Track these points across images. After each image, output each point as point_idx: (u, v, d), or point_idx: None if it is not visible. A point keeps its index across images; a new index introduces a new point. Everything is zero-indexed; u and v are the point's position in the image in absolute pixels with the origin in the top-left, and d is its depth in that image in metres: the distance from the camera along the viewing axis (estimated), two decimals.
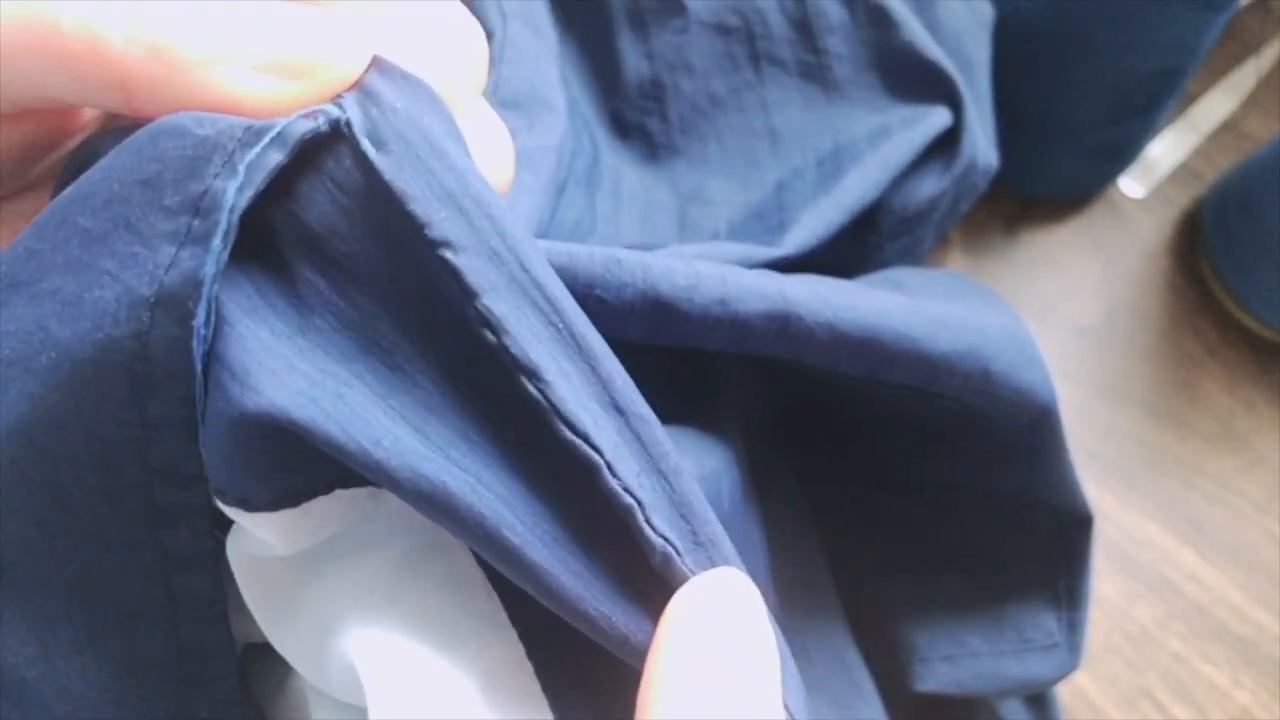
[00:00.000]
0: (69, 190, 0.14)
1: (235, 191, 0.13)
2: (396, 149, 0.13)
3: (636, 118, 0.30)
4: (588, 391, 0.13)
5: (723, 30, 0.29)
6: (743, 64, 0.29)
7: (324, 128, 0.13)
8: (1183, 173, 0.45)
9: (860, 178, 0.27)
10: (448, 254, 0.13)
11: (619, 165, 0.29)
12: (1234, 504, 0.39)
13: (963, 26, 0.32)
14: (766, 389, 0.27)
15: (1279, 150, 0.38)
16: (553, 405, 0.13)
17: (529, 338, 0.13)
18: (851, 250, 0.28)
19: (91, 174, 0.14)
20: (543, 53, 0.26)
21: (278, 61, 0.14)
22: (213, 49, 0.14)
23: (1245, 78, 0.46)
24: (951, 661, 0.27)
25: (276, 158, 0.13)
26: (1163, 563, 0.38)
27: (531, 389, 0.13)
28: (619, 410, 0.14)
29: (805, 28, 0.29)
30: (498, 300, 0.13)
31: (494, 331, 0.13)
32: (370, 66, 0.14)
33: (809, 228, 0.26)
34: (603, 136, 0.30)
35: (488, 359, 0.13)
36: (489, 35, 0.25)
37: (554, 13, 0.29)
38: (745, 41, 0.29)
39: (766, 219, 0.27)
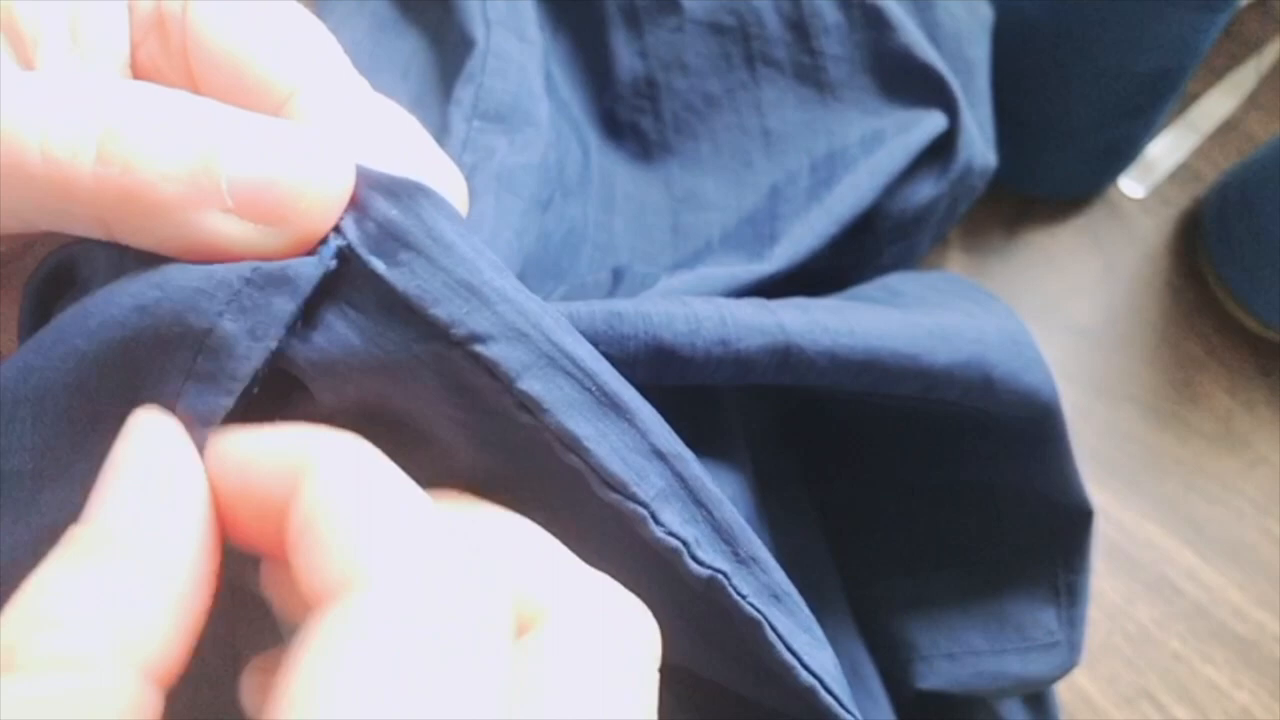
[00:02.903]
0: (71, 309, 0.14)
1: (247, 342, 0.13)
2: (405, 258, 0.13)
3: (630, 116, 0.30)
4: (627, 445, 0.14)
5: (718, 29, 0.29)
6: (738, 64, 0.29)
7: (332, 265, 0.13)
8: (1183, 173, 0.45)
9: (851, 186, 0.27)
10: (478, 348, 0.13)
11: (611, 166, 0.29)
12: (1234, 504, 0.39)
13: (962, 27, 0.31)
14: (767, 403, 0.27)
15: (1279, 150, 0.38)
16: (594, 470, 0.14)
17: (566, 409, 0.14)
18: (849, 255, 0.28)
19: (96, 296, 0.14)
20: (527, 63, 0.26)
21: (255, 207, 0.13)
22: (188, 192, 0.13)
23: (1245, 78, 0.46)
24: (953, 659, 0.27)
25: (290, 307, 0.13)
26: (1163, 563, 0.38)
27: (575, 460, 0.14)
28: (659, 455, 0.15)
29: (800, 28, 0.29)
30: (533, 380, 0.14)
31: (531, 412, 0.14)
32: (359, 181, 0.14)
33: (799, 240, 0.26)
34: (594, 137, 0.30)
35: (528, 436, 0.14)
36: (472, 44, 0.25)
37: (543, 11, 0.29)
38: (740, 41, 0.29)
39: (759, 226, 0.27)
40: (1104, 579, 0.37)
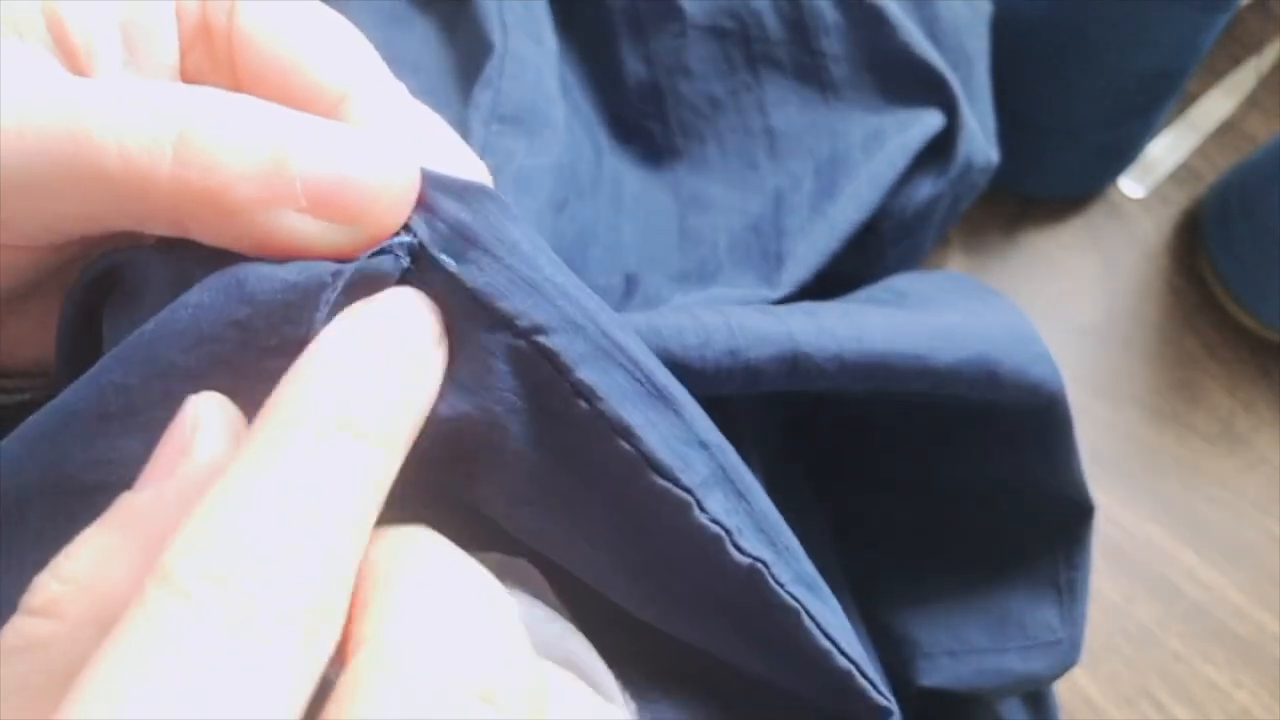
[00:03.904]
0: (150, 327, 0.14)
1: None
2: (473, 256, 0.14)
3: (637, 121, 0.30)
4: (675, 434, 0.15)
5: (719, 33, 0.29)
6: (740, 66, 0.29)
7: (406, 263, 0.14)
8: (1183, 173, 0.45)
9: (853, 197, 0.27)
10: (541, 339, 0.14)
11: (621, 168, 0.30)
12: (1234, 504, 0.39)
13: (961, 22, 0.32)
14: (772, 404, 0.27)
15: (1279, 150, 0.38)
16: (645, 457, 0.15)
17: (619, 398, 0.15)
18: (854, 256, 0.29)
19: (174, 311, 0.14)
20: (543, 65, 0.26)
21: (330, 206, 0.14)
22: (263, 192, 0.14)
23: (1245, 78, 0.46)
24: (955, 657, 0.27)
25: None
26: (1163, 563, 0.38)
27: (627, 447, 0.14)
28: (703, 445, 0.15)
29: (801, 29, 0.29)
30: (589, 370, 0.14)
31: (588, 400, 0.14)
32: (423, 182, 0.15)
33: (805, 260, 0.26)
34: (605, 139, 0.30)
35: (581, 424, 0.15)
36: (489, 48, 0.25)
37: (556, 18, 0.29)
38: (742, 44, 0.29)
39: (764, 237, 0.28)
40: (1104, 579, 0.37)
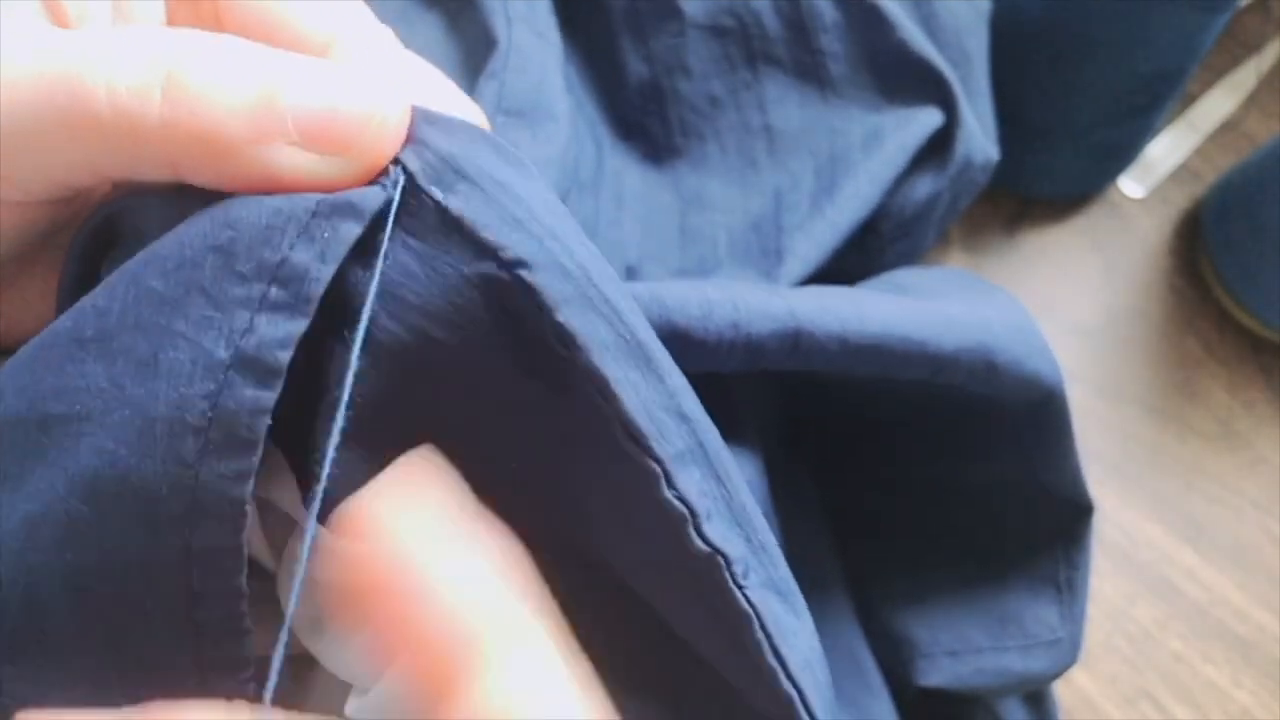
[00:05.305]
0: (141, 254, 0.14)
1: (317, 265, 0.13)
2: (461, 189, 0.14)
3: (638, 119, 0.30)
4: (654, 400, 0.14)
5: (719, 32, 0.29)
6: (739, 65, 0.29)
7: (394, 194, 0.14)
8: (1183, 173, 0.45)
9: (853, 196, 0.27)
10: (524, 273, 0.14)
11: (622, 166, 0.30)
12: (1234, 504, 0.39)
13: (959, 20, 0.32)
14: (776, 391, 0.27)
15: (1279, 150, 0.38)
16: (618, 416, 0.14)
17: (599, 349, 0.14)
18: (854, 254, 0.29)
19: (164, 239, 0.14)
20: (547, 60, 0.26)
21: (321, 138, 0.14)
22: (254, 128, 0.14)
23: (1245, 78, 0.46)
24: (955, 656, 0.27)
25: (355, 230, 0.14)
26: (1163, 563, 0.38)
27: (600, 401, 0.14)
28: (684, 418, 0.14)
29: (800, 28, 0.29)
30: (571, 314, 0.14)
31: (567, 344, 0.14)
32: (413, 117, 0.15)
33: (805, 258, 0.26)
34: (606, 137, 0.30)
35: (558, 370, 0.14)
36: (494, 42, 0.25)
37: (558, 16, 0.29)
38: (741, 43, 0.29)
39: (764, 235, 0.28)
40: (1105, 579, 0.37)
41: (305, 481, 0.15)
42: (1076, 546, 0.26)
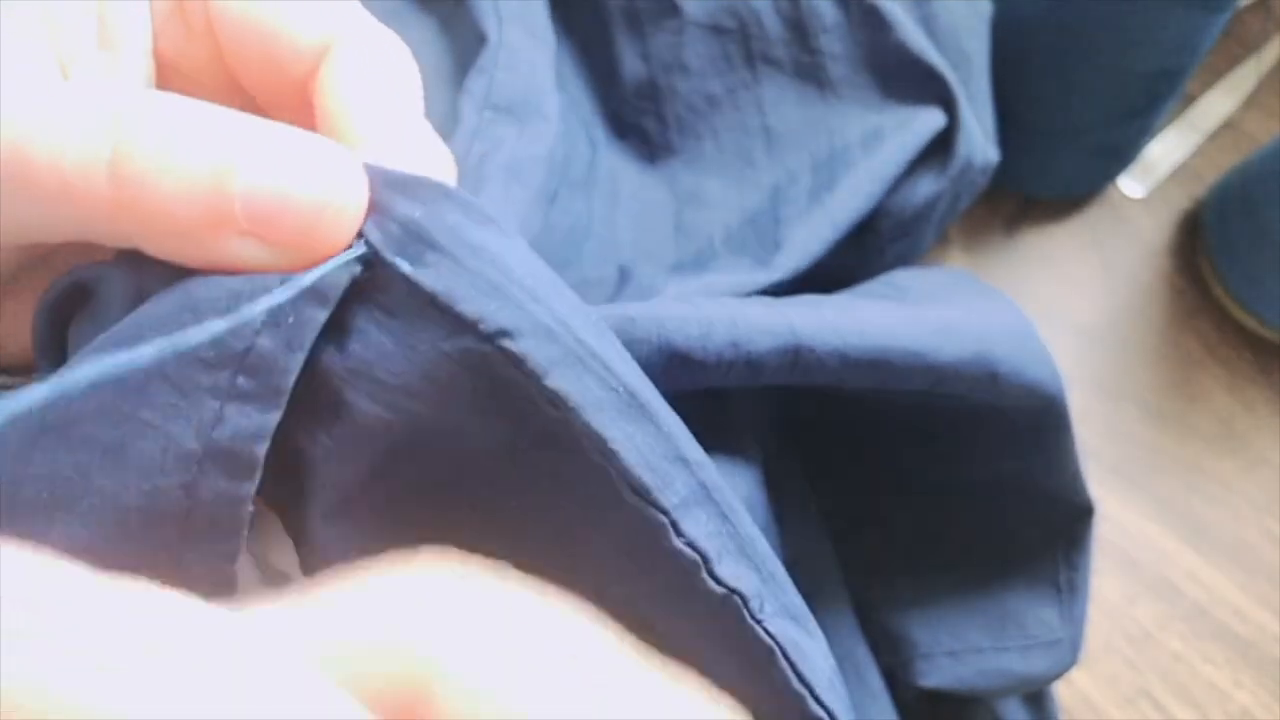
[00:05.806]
0: (101, 339, 0.14)
1: (284, 354, 0.13)
2: (431, 259, 0.13)
3: (634, 118, 0.30)
4: (653, 449, 0.14)
5: (718, 31, 0.29)
6: (738, 64, 0.29)
7: (360, 271, 0.13)
8: (1183, 173, 0.45)
9: (852, 190, 0.27)
10: (507, 343, 0.13)
11: (618, 164, 0.30)
12: (1234, 504, 0.39)
13: (959, 21, 0.32)
14: (773, 401, 0.27)
15: (1279, 150, 0.38)
16: (620, 473, 0.14)
17: (593, 409, 0.13)
18: (852, 254, 0.28)
19: (125, 321, 0.13)
20: (538, 58, 0.26)
21: (271, 232, 0.13)
22: (203, 215, 0.13)
23: (1245, 78, 0.46)
24: (955, 657, 0.27)
25: (321, 315, 0.13)
26: (1163, 563, 0.38)
27: (600, 461, 0.13)
28: (684, 462, 0.14)
29: (800, 28, 0.29)
30: (560, 377, 0.13)
31: (560, 408, 0.13)
32: (374, 182, 0.14)
33: (802, 247, 0.26)
34: (602, 135, 0.30)
35: (552, 432, 0.14)
36: (484, 40, 0.25)
37: (553, 13, 0.29)
38: (740, 42, 0.29)
39: (761, 229, 0.27)
40: (1105, 579, 0.37)
41: (301, 542, 0.15)
42: (1076, 547, 0.26)
